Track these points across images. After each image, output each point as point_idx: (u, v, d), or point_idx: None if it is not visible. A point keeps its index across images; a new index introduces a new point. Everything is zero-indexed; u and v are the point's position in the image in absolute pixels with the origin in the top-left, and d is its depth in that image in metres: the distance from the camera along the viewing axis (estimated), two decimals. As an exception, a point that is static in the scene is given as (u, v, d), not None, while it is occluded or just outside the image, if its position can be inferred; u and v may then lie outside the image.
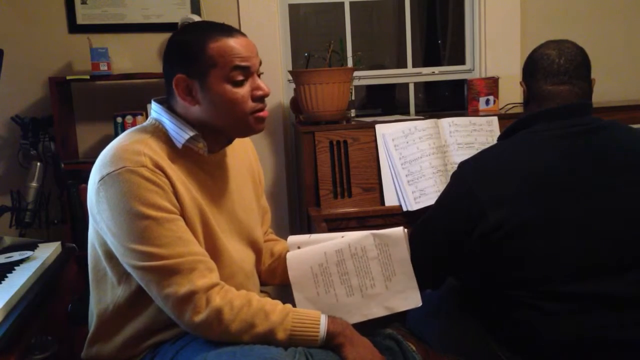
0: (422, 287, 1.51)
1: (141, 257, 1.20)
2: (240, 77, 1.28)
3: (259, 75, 1.34)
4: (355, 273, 1.39)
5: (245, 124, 1.32)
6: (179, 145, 1.30)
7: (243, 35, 1.32)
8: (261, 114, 1.33)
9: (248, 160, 1.55)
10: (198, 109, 1.29)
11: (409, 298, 1.38)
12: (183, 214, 1.26)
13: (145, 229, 1.19)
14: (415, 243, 1.48)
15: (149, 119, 1.37)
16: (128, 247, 1.20)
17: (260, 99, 1.32)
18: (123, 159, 1.22)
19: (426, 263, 1.48)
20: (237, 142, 1.46)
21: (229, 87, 1.28)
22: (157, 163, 1.24)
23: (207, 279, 1.22)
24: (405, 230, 1.41)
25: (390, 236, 1.39)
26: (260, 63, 1.34)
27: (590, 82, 1.52)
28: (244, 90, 1.29)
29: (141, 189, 1.20)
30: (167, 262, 1.19)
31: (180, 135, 1.30)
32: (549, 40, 1.55)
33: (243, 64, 1.28)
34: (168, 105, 1.36)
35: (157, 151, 1.26)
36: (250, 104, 1.30)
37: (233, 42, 1.28)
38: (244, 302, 1.23)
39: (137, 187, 1.20)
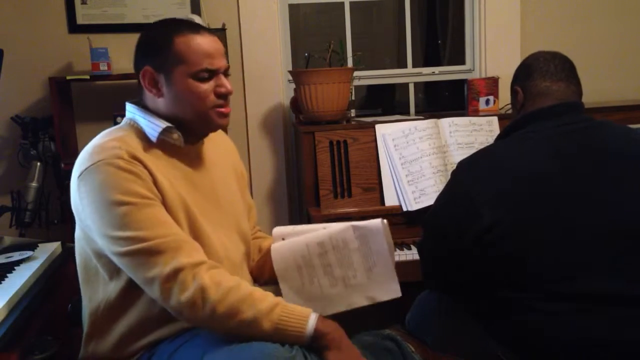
0: (433, 288, 1.60)
1: (123, 243, 1.19)
2: (205, 75, 1.31)
3: (226, 76, 1.36)
4: (338, 264, 1.39)
5: (206, 118, 1.34)
6: (154, 139, 1.31)
7: (211, 34, 1.34)
8: (223, 109, 1.35)
9: (230, 156, 1.57)
10: (163, 101, 1.32)
11: (390, 289, 1.39)
12: (165, 203, 1.26)
13: (124, 215, 1.19)
14: (422, 243, 1.56)
15: (124, 119, 1.39)
16: (110, 236, 1.20)
17: (223, 97, 1.34)
18: (99, 153, 1.24)
19: (433, 263, 1.54)
20: (218, 139, 1.51)
21: (192, 81, 1.30)
22: (134, 154, 1.25)
23: (193, 257, 1.21)
24: (385, 221, 1.41)
25: (369, 228, 1.39)
26: (229, 67, 1.37)
27: (581, 86, 1.56)
28: (206, 86, 1.32)
29: (119, 178, 1.21)
30: (149, 244, 1.19)
31: (153, 129, 1.31)
32: (537, 51, 1.61)
33: (211, 67, 1.31)
34: (141, 102, 1.38)
35: (133, 146, 1.28)
36: (212, 99, 1.33)
37: (200, 40, 1.31)
38: (232, 285, 1.20)
39: (114, 177, 1.21)
